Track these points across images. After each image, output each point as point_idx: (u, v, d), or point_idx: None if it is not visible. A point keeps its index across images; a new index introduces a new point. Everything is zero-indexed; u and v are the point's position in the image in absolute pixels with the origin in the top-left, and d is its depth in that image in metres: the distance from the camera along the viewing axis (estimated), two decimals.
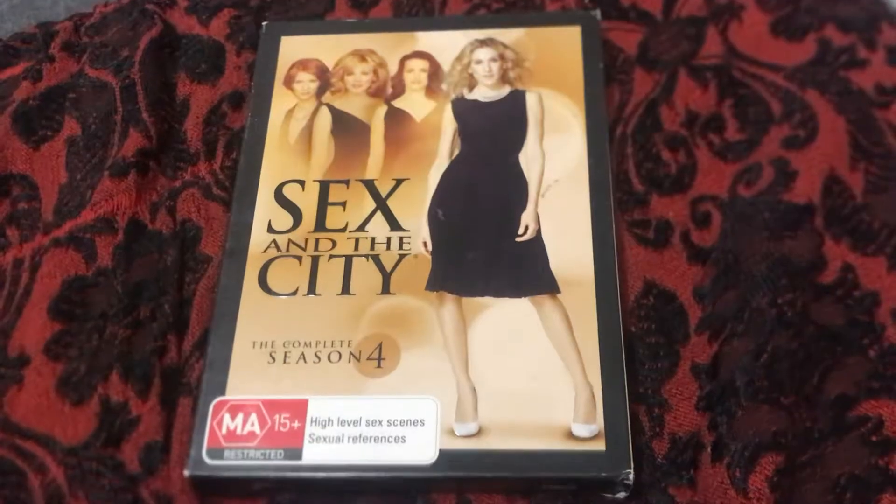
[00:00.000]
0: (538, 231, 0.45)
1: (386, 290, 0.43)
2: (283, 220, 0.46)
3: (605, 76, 0.50)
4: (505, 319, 0.43)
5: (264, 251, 0.45)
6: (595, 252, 0.44)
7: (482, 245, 0.45)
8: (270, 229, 0.46)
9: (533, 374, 0.41)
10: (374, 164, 0.47)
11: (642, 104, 0.50)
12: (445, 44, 0.51)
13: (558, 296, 0.43)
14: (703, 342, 0.43)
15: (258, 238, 0.45)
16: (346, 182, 0.47)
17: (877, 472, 0.39)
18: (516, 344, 0.42)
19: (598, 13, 0.51)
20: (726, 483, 0.39)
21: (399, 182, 0.47)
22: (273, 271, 0.44)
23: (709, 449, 0.40)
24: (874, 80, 0.50)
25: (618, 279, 0.43)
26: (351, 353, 0.42)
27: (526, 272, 0.44)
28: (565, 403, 0.40)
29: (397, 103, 0.49)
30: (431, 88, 0.50)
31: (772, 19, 0.52)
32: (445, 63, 0.50)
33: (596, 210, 0.45)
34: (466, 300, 0.43)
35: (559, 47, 0.50)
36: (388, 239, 0.45)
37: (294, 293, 0.44)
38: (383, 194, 0.46)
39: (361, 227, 0.45)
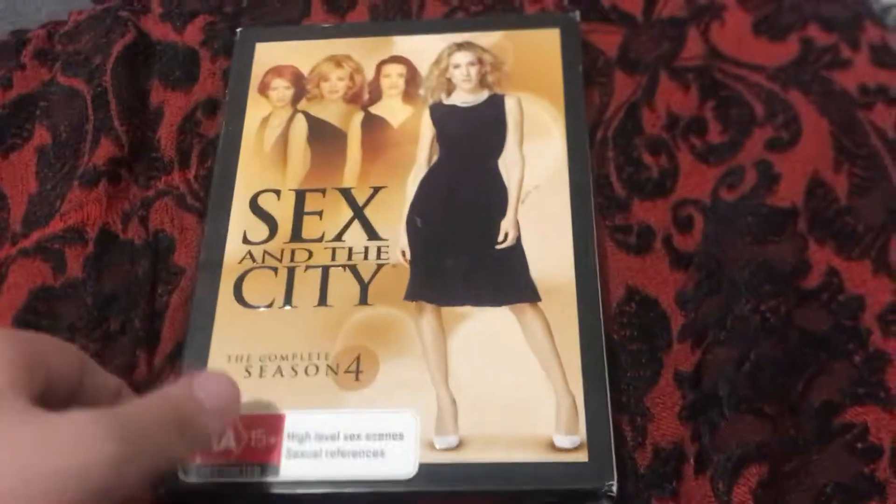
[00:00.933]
0: (518, 238, 0.44)
1: (364, 300, 0.43)
2: (259, 230, 0.45)
3: (584, 79, 0.49)
4: (485, 329, 0.42)
5: (240, 262, 0.44)
6: (576, 258, 0.43)
7: (461, 253, 0.44)
8: (246, 240, 0.45)
9: (514, 385, 0.40)
10: (351, 171, 0.47)
11: (623, 107, 0.49)
12: (423, 48, 0.50)
13: (539, 304, 0.42)
14: (686, 350, 0.42)
15: (233, 249, 0.44)
16: (323, 191, 0.46)
17: (863, 479, 0.39)
18: (497, 354, 0.41)
19: (577, 15, 0.51)
20: (710, 495, 0.38)
21: (377, 190, 0.46)
22: (248, 283, 0.43)
23: (692, 460, 0.39)
24: (857, 80, 0.49)
25: (599, 286, 0.42)
26: (328, 366, 0.41)
27: (506, 280, 0.43)
28: (547, 414, 0.39)
29: (374, 109, 0.49)
30: (409, 94, 0.49)
31: (754, 19, 0.51)
32: (423, 68, 0.50)
33: (577, 215, 0.44)
34: (446, 310, 0.42)
35: (538, 50, 0.50)
36: (366, 248, 0.44)
37: (270, 305, 0.43)
38: (360, 203, 0.45)
39: (338, 237, 0.45)
